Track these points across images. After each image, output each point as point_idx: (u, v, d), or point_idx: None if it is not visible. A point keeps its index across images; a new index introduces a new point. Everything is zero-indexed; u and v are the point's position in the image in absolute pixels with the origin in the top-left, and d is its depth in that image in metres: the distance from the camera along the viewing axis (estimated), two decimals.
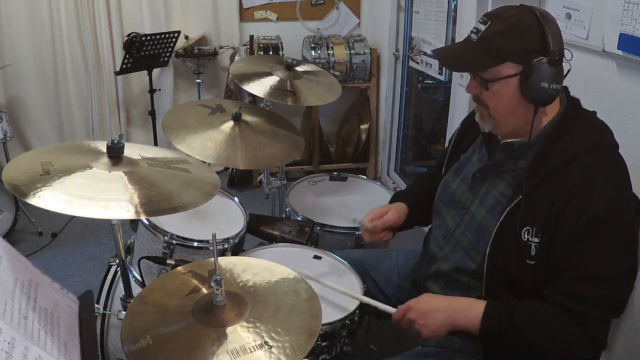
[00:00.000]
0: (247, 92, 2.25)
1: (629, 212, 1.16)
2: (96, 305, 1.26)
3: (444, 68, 2.98)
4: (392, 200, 1.70)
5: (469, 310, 1.24)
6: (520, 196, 1.21)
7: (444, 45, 2.92)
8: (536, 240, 1.18)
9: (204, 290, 1.15)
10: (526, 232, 1.19)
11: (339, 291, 1.44)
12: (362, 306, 1.46)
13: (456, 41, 2.77)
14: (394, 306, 1.35)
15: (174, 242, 1.63)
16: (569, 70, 1.22)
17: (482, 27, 1.20)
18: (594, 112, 1.28)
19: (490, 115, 1.26)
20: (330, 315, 1.40)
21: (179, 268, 1.25)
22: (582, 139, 1.20)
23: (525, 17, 1.17)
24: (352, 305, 1.44)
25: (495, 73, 1.20)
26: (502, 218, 1.24)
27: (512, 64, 1.18)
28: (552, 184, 1.18)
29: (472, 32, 1.23)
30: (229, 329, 1.04)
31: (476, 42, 1.21)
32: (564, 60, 1.18)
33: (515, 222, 1.21)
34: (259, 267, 1.25)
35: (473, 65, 1.23)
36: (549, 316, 1.16)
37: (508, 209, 1.23)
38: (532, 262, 1.19)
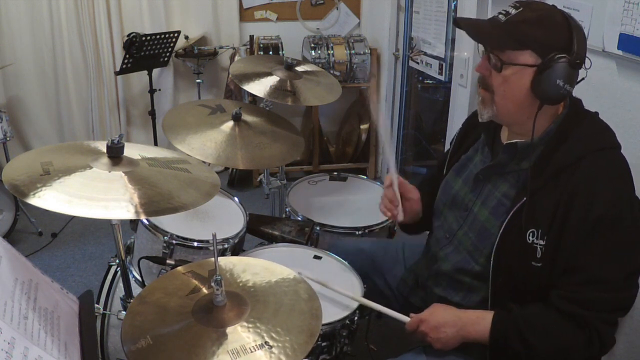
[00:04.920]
0: (247, 92, 2.25)
1: (633, 214, 1.15)
2: (96, 305, 1.26)
3: (443, 68, 2.98)
4: None
5: (478, 323, 1.25)
6: (525, 198, 1.20)
7: (443, 45, 2.92)
8: (542, 242, 1.17)
9: (204, 290, 1.15)
10: (531, 234, 1.19)
11: (353, 299, 1.45)
12: (363, 306, 1.46)
13: (456, 41, 2.77)
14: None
15: (174, 242, 1.63)
16: (582, 78, 1.21)
17: (513, 11, 1.18)
18: (596, 113, 1.27)
19: (493, 101, 1.24)
20: (330, 315, 1.40)
21: (179, 268, 1.25)
22: (586, 140, 1.20)
23: (556, 15, 1.17)
24: (352, 305, 1.44)
25: (513, 58, 1.18)
26: (507, 220, 1.23)
27: (532, 54, 1.16)
28: (557, 186, 1.17)
29: (500, 13, 1.21)
30: (229, 329, 1.04)
31: (503, 22, 1.18)
32: (583, 67, 1.18)
33: (519, 224, 1.20)
34: (258, 267, 1.25)
35: (495, 41, 1.21)
36: (555, 324, 1.16)
37: (512, 211, 1.22)
38: (539, 265, 1.18)
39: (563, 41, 1.15)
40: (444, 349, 1.29)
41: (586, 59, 1.18)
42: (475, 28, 1.26)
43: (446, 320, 1.28)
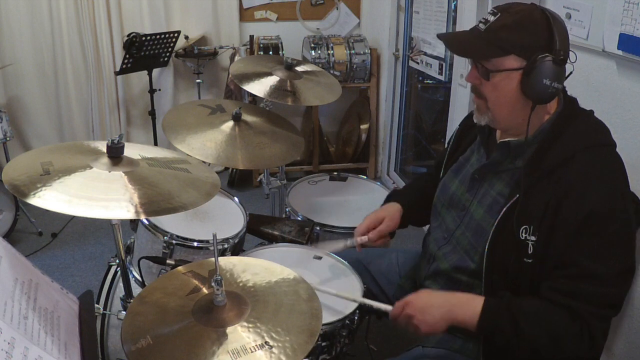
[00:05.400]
0: (247, 92, 2.25)
1: (625, 211, 1.16)
2: (96, 305, 1.26)
3: (443, 68, 2.98)
4: (387, 199, 1.69)
5: (467, 305, 1.23)
6: (518, 195, 1.21)
7: (444, 45, 2.92)
8: (533, 238, 1.18)
9: (204, 290, 1.15)
10: (524, 231, 1.19)
11: (331, 294, 1.42)
12: (362, 306, 1.45)
13: None
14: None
15: (174, 242, 1.63)
16: (571, 72, 1.22)
17: (492, 18, 1.20)
18: (591, 111, 1.28)
19: (487, 108, 1.27)
20: (330, 315, 1.40)
21: (179, 268, 1.25)
22: (579, 138, 1.20)
23: (535, 14, 1.18)
24: (352, 305, 1.44)
25: (498, 64, 1.20)
26: (499, 217, 1.24)
27: (516, 58, 1.18)
28: (549, 183, 1.18)
29: (480, 22, 1.23)
30: (229, 329, 1.04)
31: (484, 31, 1.21)
32: (568, 61, 1.18)
33: (512, 220, 1.21)
34: (259, 267, 1.25)
35: (478, 52, 1.23)
36: (547, 313, 1.15)
37: (505, 208, 1.23)
38: (530, 261, 1.19)
39: (544, 40, 1.16)
40: (431, 332, 1.25)
41: (571, 52, 1.19)
42: (457, 42, 1.30)
43: (433, 301, 1.26)
